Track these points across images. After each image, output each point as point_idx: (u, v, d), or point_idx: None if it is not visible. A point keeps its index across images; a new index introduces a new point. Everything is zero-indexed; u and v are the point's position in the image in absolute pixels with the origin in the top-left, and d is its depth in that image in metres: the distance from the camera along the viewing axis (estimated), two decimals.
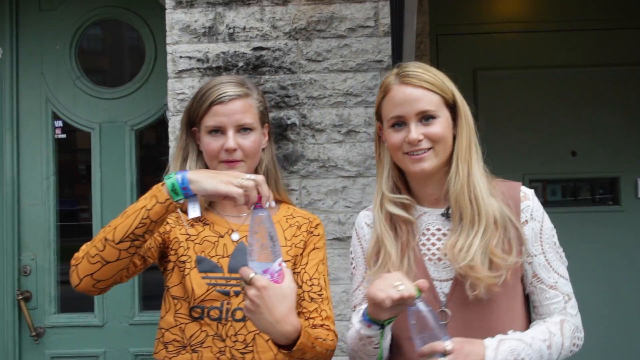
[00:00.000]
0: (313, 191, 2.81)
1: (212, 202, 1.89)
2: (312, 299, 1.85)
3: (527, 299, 1.75)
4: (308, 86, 2.82)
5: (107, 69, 3.85)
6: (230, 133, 1.80)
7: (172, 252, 1.84)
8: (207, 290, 1.77)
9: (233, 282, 1.77)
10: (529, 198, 1.71)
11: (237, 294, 1.75)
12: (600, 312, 3.54)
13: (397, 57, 2.41)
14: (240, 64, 2.83)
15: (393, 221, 1.75)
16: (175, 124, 2.87)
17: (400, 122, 1.70)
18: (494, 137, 3.55)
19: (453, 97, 1.72)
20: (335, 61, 2.82)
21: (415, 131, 1.66)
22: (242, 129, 1.82)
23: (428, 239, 1.73)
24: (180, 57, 2.85)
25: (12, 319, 3.56)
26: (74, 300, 3.66)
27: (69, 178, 3.79)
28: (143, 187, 3.56)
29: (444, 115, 1.69)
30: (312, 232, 1.92)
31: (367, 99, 2.80)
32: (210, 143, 1.82)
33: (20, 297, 3.53)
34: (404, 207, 1.75)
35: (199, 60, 2.84)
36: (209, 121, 1.82)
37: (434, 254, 1.71)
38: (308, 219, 1.95)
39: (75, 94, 3.62)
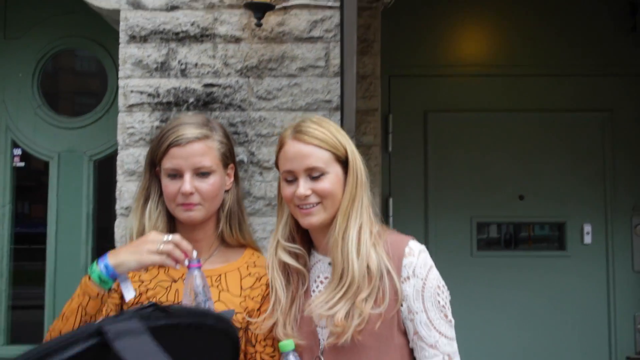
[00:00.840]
0: (259, 229, 2.77)
1: None
2: None
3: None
4: (257, 124, 2.80)
5: (69, 99, 3.84)
6: (187, 177, 1.76)
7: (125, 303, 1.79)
8: None
9: None
10: (413, 255, 1.70)
11: None
12: (545, 357, 3.51)
13: (342, 98, 2.41)
14: (191, 99, 2.81)
15: (286, 268, 1.78)
16: (123, 158, 2.84)
17: (290, 177, 1.73)
18: (443, 178, 3.56)
19: (345, 154, 1.74)
20: (285, 100, 2.81)
21: (304, 186, 1.70)
22: (200, 172, 1.77)
23: (317, 286, 1.77)
24: (132, 91, 2.82)
25: None
26: (24, 330, 3.58)
27: (27, 205, 3.75)
28: (99, 217, 3.52)
29: (334, 171, 1.72)
30: None
31: None
32: (167, 186, 1.79)
33: None
34: (296, 256, 1.78)
35: (149, 95, 2.82)
36: (167, 163, 1.78)
37: None
38: None
39: (35, 122, 3.58)
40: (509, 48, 3.62)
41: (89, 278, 1.63)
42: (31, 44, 3.60)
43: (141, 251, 1.61)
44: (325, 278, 1.75)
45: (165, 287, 1.80)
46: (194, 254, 1.65)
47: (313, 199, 1.70)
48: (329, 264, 1.75)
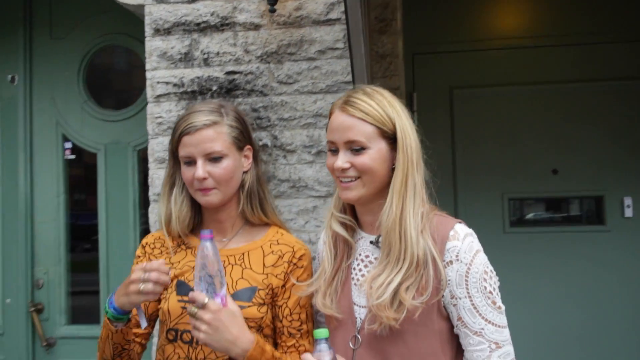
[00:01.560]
0: (285, 211, 2.78)
1: (195, 225, 1.94)
2: (290, 334, 1.84)
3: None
4: (279, 108, 2.80)
5: (112, 93, 3.94)
6: (200, 162, 1.80)
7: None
8: (181, 314, 1.80)
9: None
10: (458, 238, 1.61)
11: None
12: (584, 335, 3.35)
13: (353, 79, 2.37)
14: (214, 87, 2.84)
15: (337, 240, 1.75)
16: (153, 146, 2.91)
17: (334, 148, 1.68)
18: (471, 155, 3.43)
19: (393, 130, 1.64)
20: (305, 83, 2.79)
21: (342, 159, 1.64)
22: (212, 157, 1.81)
23: (358, 264, 1.72)
24: (158, 82, 2.88)
25: (26, 330, 3.68)
26: (83, 312, 3.76)
27: (79, 195, 3.90)
28: (145, 203, 3.63)
29: (377, 147, 1.64)
30: (295, 264, 1.87)
31: None
32: (185, 172, 1.85)
33: (32, 309, 3.65)
34: (346, 227, 1.75)
35: (175, 85, 2.87)
36: (181, 152, 1.84)
37: (358, 280, 1.70)
38: (292, 247, 1.89)
39: (82, 117, 3.72)
40: (538, 18, 3.42)
41: (107, 317, 1.75)
42: (75, 43, 3.73)
43: (130, 293, 1.69)
44: (366, 257, 1.72)
45: (191, 266, 1.85)
46: (161, 267, 1.70)
47: (352, 173, 1.65)
48: (370, 242, 1.72)
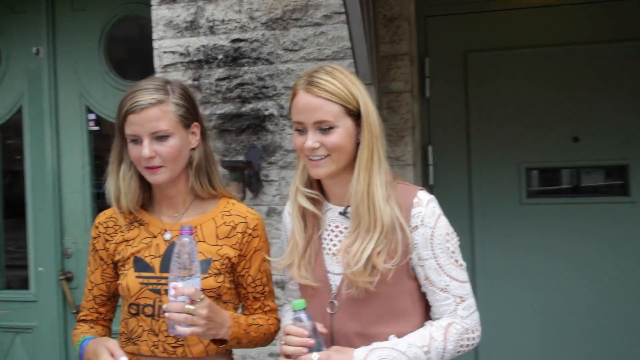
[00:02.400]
0: (292, 182, 2.74)
1: (144, 201, 1.94)
2: (255, 298, 1.96)
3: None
4: (285, 76, 2.74)
5: (133, 63, 3.95)
6: (146, 142, 1.78)
7: (117, 258, 1.93)
8: (140, 289, 1.84)
9: (164, 281, 1.81)
10: (422, 205, 1.72)
11: (168, 292, 1.75)
12: (605, 312, 3.16)
13: (352, 45, 2.29)
14: (220, 56, 2.79)
15: (304, 213, 1.82)
16: None
17: (301, 128, 1.72)
18: (487, 123, 3.24)
19: (357, 107, 1.70)
20: (311, 50, 2.71)
21: (312, 139, 1.70)
22: (158, 136, 1.79)
23: (328, 234, 1.80)
24: (165, 52, 2.86)
25: (57, 297, 3.80)
26: None
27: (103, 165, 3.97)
28: None
29: (344, 125, 1.69)
30: (250, 235, 1.92)
31: None
32: (131, 151, 1.83)
33: (62, 278, 3.76)
34: (313, 201, 1.82)
35: (181, 54, 2.84)
36: (127, 130, 1.81)
37: (330, 249, 1.78)
38: (245, 218, 1.93)
39: (104, 88, 3.75)
40: None
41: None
42: (95, 14, 3.74)
43: None
44: (336, 227, 1.79)
45: (146, 243, 1.89)
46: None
47: (321, 152, 1.70)
48: (339, 213, 1.79)
